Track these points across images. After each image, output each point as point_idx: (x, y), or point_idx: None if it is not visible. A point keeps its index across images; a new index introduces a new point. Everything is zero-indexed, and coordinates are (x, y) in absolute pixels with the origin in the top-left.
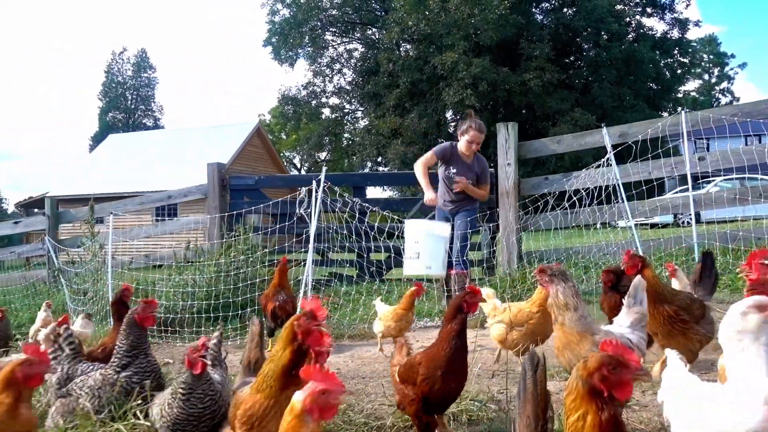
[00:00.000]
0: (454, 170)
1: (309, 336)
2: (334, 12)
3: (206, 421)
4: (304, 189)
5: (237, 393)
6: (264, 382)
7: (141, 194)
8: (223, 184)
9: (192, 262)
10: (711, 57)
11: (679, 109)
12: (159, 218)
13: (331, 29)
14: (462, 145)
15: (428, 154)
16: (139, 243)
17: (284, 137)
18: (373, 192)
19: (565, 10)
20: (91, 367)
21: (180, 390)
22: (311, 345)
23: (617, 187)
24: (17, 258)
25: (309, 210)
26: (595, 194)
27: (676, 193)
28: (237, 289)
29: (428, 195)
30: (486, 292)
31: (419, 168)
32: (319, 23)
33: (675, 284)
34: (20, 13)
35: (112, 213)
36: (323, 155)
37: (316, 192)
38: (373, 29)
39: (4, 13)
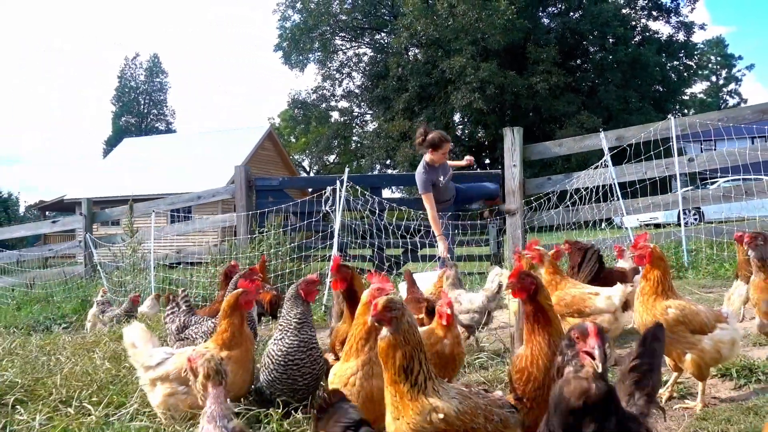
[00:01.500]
0: (441, 178)
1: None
2: (343, 17)
3: (312, 350)
4: (329, 188)
5: (336, 327)
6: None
7: (164, 196)
8: (249, 185)
9: (214, 258)
10: (718, 59)
11: (685, 111)
12: (173, 215)
13: (340, 34)
14: (438, 158)
15: (430, 199)
16: (157, 242)
17: (293, 140)
18: (384, 193)
19: (571, 14)
20: (202, 319)
21: (295, 321)
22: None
23: (613, 186)
24: (37, 258)
25: (333, 207)
26: (593, 193)
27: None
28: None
29: (441, 247)
30: (499, 270)
31: (433, 220)
32: (329, 28)
33: (622, 263)
34: (22, 14)
35: (153, 211)
36: (332, 158)
37: (340, 191)
38: (382, 34)
39: (5, 14)
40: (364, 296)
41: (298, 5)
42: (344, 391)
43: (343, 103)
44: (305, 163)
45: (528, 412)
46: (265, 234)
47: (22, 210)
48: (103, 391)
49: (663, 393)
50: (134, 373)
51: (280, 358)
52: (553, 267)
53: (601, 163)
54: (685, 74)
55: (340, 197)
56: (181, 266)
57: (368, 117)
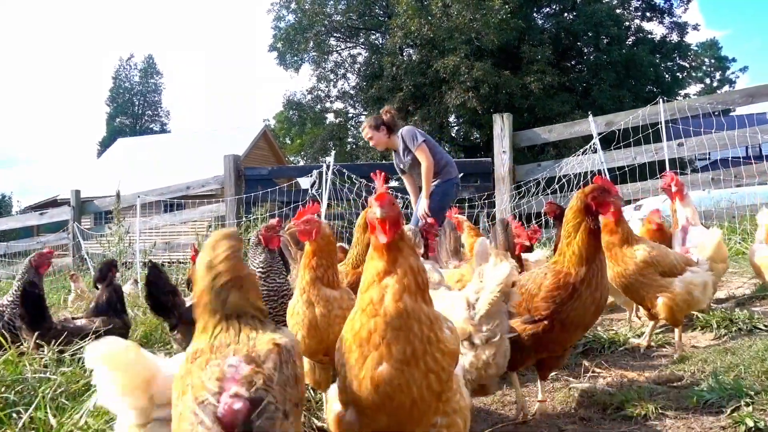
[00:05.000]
0: (397, 167)
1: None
2: (338, 18)
3: (284, 298)
4: (315, 171)
5: None
6: (357, 259)
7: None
8: (239, 174)
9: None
10: (712, 61)
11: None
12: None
13: (335, 35)
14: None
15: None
16: (149, 233)
17: (289, 142)
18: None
19: (565, 14)
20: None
21: (259, 270)
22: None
23: (603, 171)
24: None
25: (320, 191)
26: (581, 178)
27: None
28: None
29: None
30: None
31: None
32: (323, 29)
33: None
34: (17, 16)
35: (138, 197)
36: (327, 160)
37: (326, 174)
38: (377, 34)
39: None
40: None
41: (293, 5)
42: (291, 322)
43: (338, 104)
44: (301, 165)
45: None
46: (252, 221)
47: (15, 211)
48: None
49: (641, 343)
50: None
51: None
52: (474, 231)
53: (590, 148)
54: (679, 75)
55: (326, 180)
56: (167, 253)
57: (363, 118)
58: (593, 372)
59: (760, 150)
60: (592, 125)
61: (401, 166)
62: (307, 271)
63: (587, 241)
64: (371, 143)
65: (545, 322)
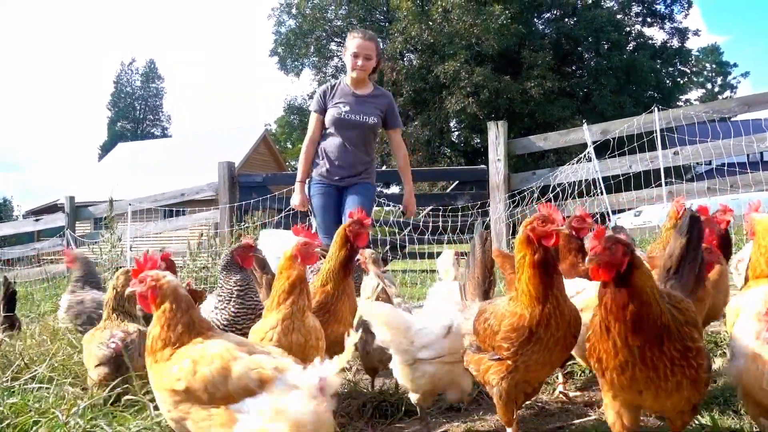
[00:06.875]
0: (346, 108)
1: (358, 237)
2: (339, 23)
3: (259, 317)
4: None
5: None
6: (327, 276)
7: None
8: (233, 181)
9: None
10: (714, 66)
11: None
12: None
13: (336, 39)
14: (348, 65)
15: (312, 122)
16: (140, 239)
17: (290, 146)
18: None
19: (566, 19)
20: None
21: (236, 289)
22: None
23: (597, 181)
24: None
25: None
26: (575, 187)
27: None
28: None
29: (295, 199)
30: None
31: (303, 150)
32: (324, 33)
33: None
34: (18, 21)
35: (130, 204)
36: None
37: None
38: (378, 39)
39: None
40: (289, 250)
41: (293, 10)
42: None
43: None
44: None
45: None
46: (244, 229)
47: (15, 215)
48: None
49: None
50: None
51: (225, 328)
52: None
53: (585, 157)
54: (680, 80)
55: None
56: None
57: None
58: (565, 396)
59: (762, 157)
60: (586, 133)
61: (354, 117)
62: (302, 298)
63: (533, 278)
64: (359, 63)
65: (509, 362)
